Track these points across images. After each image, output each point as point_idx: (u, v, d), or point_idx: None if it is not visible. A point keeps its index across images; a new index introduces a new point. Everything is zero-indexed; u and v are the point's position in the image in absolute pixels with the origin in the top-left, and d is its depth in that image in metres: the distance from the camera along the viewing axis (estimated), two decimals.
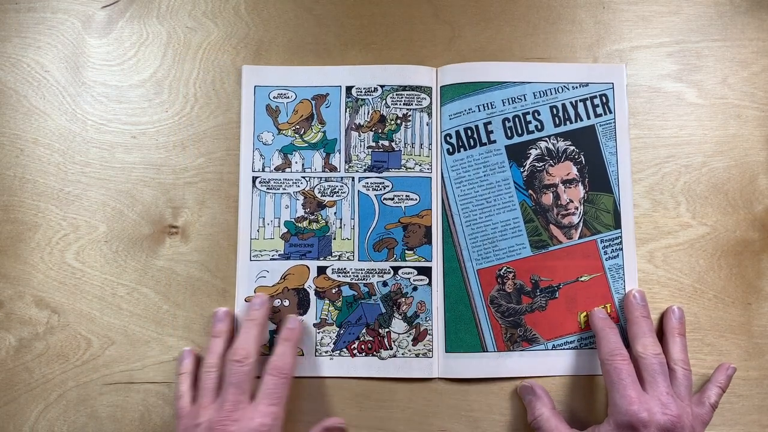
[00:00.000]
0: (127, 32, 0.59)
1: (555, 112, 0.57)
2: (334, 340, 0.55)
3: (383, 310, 0.55)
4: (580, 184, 0.57)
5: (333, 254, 0.56)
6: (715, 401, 0.51)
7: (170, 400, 0.54)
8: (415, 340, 0.55)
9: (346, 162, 0.57)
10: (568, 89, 0.58)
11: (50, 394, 0.55)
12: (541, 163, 0.57)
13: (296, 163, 0.57)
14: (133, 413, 0.54)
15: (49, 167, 0.57)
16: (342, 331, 0.55)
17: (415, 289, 0.56)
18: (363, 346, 0.55)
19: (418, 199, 0.56)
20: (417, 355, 0.55)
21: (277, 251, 0.56)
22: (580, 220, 0.56)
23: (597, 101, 0.58)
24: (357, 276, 0.56)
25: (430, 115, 0.57)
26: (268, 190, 0.57)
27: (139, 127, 0.58)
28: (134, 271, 0.56)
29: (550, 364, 0.55)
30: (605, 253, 0.56)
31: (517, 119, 0.57)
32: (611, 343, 0.50)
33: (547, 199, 0.56)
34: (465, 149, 0.56)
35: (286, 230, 0.56)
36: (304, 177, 0.57)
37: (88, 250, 0.56)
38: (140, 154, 0.57)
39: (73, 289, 0.56)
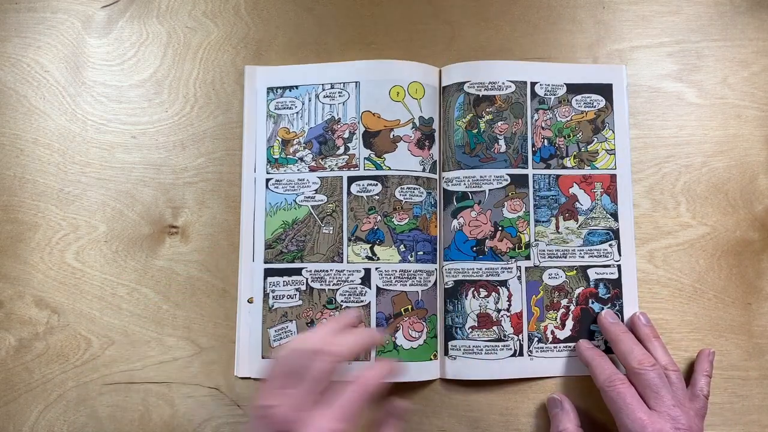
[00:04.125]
0: (127, 32, 0.59)
1: None
2: None
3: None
4: None
5: None
6: (708, 391, 0.51)
7: (169, 399, 0.54)
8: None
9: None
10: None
11: (50, 394, 0.55)
12: None
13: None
14: (132, 413, 0.54)
15: (49, 167, 0.57)
16: None
17: None
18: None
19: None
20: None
21: None
22: None
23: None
24: None
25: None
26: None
27: (139, 127, 0.58)
28: (134, 271, 0.56)
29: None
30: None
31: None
32: (606, 369, 0.50)
33: None
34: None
35: None
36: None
37: (88, 250, 0.56)
38: (140, 154, 0.57)
39: (73, 289, 0.56)
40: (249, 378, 0.55)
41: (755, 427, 0.54)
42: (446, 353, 0.54)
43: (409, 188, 0.56)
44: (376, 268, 0.55)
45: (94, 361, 0.55)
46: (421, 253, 0.55)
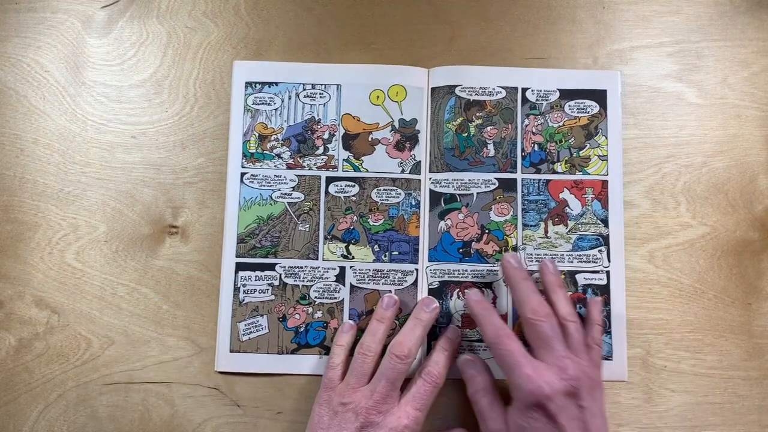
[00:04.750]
0: (127, 32, 0.59)
1: None
2: None
3: None
4: None
5: None
6: (600, 339, 0.51)
7: (169, 399, 0.54)
8: None
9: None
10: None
11: (50, 394, 0.55)
12: None
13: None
14: (132, 413, 0.54)
15: (49, 167, 0.57)
16: None
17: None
18: None
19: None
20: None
21: None
22: None
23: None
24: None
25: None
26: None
27: (139, 127, 0.58)
28: (134, 271, 0.56)
29: None
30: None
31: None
32: (494, 324, 0.49)
33: None
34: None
35: None
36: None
37: (88, 250, 0.56)
38: (140, 154, 0.57)
39: (73, 289, 0.56)
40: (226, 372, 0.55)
41: (755, 427, 0.54)
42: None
43: (385, 189, 0.56)
44: (351, 267, 0.56)
45: (94, 361, 0.55)
46: (397, 253, 0.56)
